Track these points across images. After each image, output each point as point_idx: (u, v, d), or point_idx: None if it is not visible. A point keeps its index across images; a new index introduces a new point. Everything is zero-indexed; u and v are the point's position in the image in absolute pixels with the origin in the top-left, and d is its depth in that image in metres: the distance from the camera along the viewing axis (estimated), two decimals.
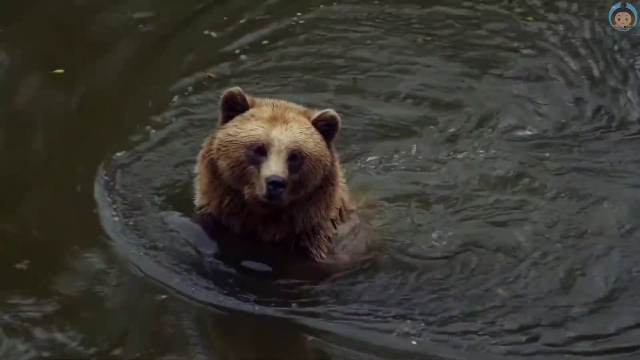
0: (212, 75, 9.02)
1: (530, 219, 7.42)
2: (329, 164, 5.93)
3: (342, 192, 6.33)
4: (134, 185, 7.16)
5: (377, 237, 6.65)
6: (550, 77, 9.44)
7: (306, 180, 5.81)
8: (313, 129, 5.88)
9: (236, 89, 5.97)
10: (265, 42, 9.80)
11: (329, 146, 5.95)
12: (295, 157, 5.73)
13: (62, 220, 7.10)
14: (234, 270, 6.27)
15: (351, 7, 10.45)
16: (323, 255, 6.18)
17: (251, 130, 5.77)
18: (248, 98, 5.98)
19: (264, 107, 5.93)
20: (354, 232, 6.40)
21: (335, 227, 6.29)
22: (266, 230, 6.07)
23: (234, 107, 5.93)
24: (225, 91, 6.00)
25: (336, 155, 6.19)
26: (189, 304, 6.20)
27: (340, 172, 6.29)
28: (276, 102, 6.05)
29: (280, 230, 6.06)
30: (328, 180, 5.99)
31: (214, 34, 9.87)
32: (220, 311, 6.16)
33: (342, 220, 6.38)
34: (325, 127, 5.91)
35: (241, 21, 10.09)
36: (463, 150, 8.26)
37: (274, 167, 5.62)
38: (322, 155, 5.86)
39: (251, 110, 5.91)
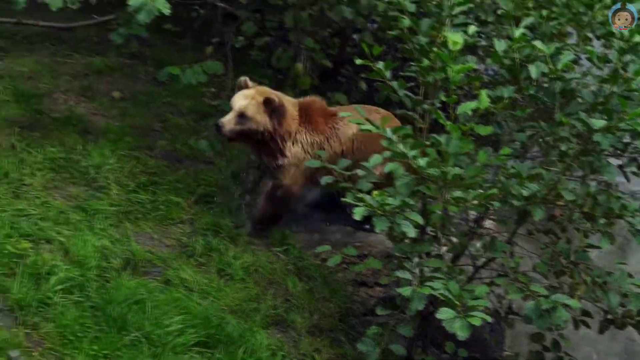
0: None
1: None
2: (269, 127, 8.04)
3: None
4: None
5: None
6: None
7: (250, 131, 8.01)
8: (257, 103, 7.96)
9: (243, 77, 8.24)
10: None
11: (271, 117, 8.03)
12: (242, 116, 7.97)
13: None
14: None
15: None
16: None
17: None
18: (251, 84, 8.25)
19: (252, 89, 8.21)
20: None
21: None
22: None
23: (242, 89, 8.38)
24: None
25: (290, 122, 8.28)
26: None
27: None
28: (261, 88, 8.21)
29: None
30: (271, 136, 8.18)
31: None
32: None
33: None
34: (267, 105, 8.01)
35: None
36: None
37: (225, 117, 8.05)
38: (260, 121, 8.01)
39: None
